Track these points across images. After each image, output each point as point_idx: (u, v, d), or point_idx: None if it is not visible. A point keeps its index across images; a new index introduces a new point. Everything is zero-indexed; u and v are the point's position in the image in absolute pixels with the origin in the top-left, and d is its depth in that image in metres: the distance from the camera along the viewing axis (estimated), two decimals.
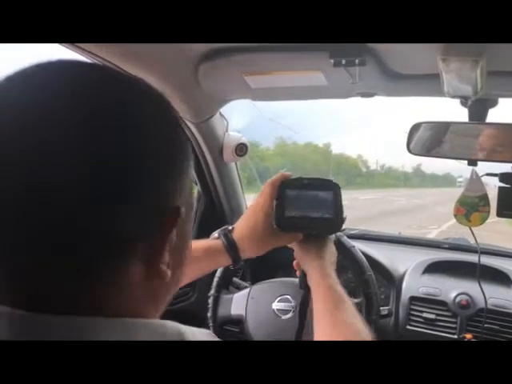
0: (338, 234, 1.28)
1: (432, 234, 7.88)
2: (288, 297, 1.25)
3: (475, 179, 1.07)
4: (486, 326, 1.20)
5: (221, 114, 1.28)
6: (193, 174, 0.43)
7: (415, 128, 1.06)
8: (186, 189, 0.41)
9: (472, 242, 1.26)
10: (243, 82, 1.02)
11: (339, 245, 1.26)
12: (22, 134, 0.33)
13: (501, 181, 1.07)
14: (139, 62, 0.92)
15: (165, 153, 0.38)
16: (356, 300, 1.23)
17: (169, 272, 0.39)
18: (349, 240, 1.28)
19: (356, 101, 1.12)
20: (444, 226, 8.66)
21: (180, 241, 0.41)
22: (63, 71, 0.37)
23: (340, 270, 1.40)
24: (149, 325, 0.39)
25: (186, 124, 1.20)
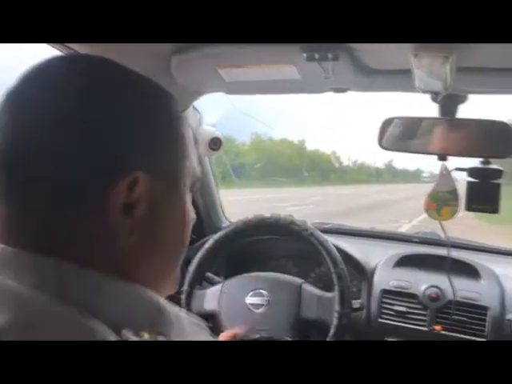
0: (311, 228, 1.29)
1: (403, 228, 8.01)
2: (261, 291, 1.26)
3: (445, 174, 1.09)
4: (454, 317, 1.22)
5: (194, 107, 1.27)
6: (186, 156, 0.47)
7: (387, 123, 1.07)
8: (166, 164, 0.44)
9: (442, 236, 1.28)
10: (217, 75, 1.01)
11: (312, 239, 1.28)
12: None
13: (469, 175, 1.10)
14: (110, 55, 0.90)
15: (138, 126, 0.42)
16: (329, 294, 1.25)
17: (128, 239, 0.41)
18: (322, 234, 1.29)
19: (330, 97, 1.13)
20: (415, 220, 8.81)
21: (153, 211, 0.42)
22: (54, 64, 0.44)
23: (313, 263, 1.43)
24: (123, 287, 0.41)
25: None
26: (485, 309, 1.22)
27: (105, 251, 0.41)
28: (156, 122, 0.44)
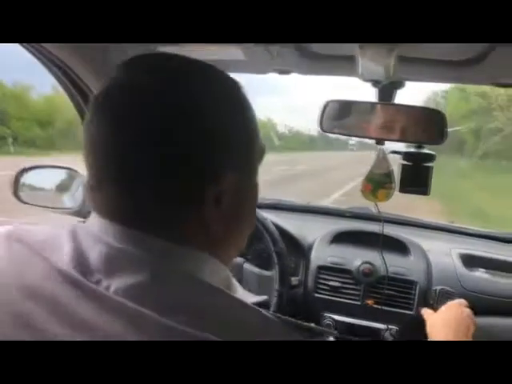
0: None
1: (335, 196, 8.31)
2: None
3: (382, 157, 1.13)
4: (385, 292, 1.29)
5: None
6: (254, 149, 0.52)
7: (327, 106, 1.08)
8: (245, 157, 0.51)
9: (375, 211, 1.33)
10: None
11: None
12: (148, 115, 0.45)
13: (404, 159, 1.14)
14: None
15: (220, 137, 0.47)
16: (268, 272, 1.27)
17: (217, 228, 0.48)
18: (262, 213, 1.30)
19: None
20: (347, 187, 9.14)
21: (235, 200, 0.49)
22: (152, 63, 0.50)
23: (252, 240, 1.44)
24: (214, 264, 0.51)
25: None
26: (413, 283, 1.30)
27: (200, 235, 0.48)
28: (236, 119, 0.49)
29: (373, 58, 0.78)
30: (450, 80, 1.01)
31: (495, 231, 1.65)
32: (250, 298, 0.60)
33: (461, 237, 1.60)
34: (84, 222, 0.51)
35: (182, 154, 0.45)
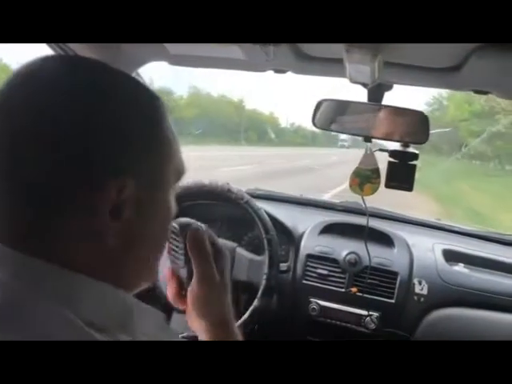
0: (247, 197, 1.38)
1: (333, 192, 8.35)
2: None
3: (369, 154, 1.20)
4: (369, 281, 1.38)
5: (137, 73, 1.28)
6: (166, 152, 0.48)
7: (320, 104, 1.15)
8: (152, 168, 0.46)
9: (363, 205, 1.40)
10: (162, 47, 1.03)
11: (247, 207, 1.36)
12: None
13: (390, 156, 1.21)
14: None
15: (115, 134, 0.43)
16: (259, 257, 1.35)
17: (115, 243, 0.43)
18: (256, 203, 1.38)
19: None
20: (342, 186, 9.14)
21: (139, 214, 0.45)
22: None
23: (246, 228, 1.52)
24: (99, 288, 0.44)
25: None
26: (395, 274, 1.38)
27: (91, 251, 0.43)
28: (143, 127, 0.46)
29: (359, 62, 0.86)
30: (431, 85, 1.08)
31: (479, 229, 1.73)
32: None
33: (445, 233, 1.67)
34: None
35: (68, 156, 0.41)
